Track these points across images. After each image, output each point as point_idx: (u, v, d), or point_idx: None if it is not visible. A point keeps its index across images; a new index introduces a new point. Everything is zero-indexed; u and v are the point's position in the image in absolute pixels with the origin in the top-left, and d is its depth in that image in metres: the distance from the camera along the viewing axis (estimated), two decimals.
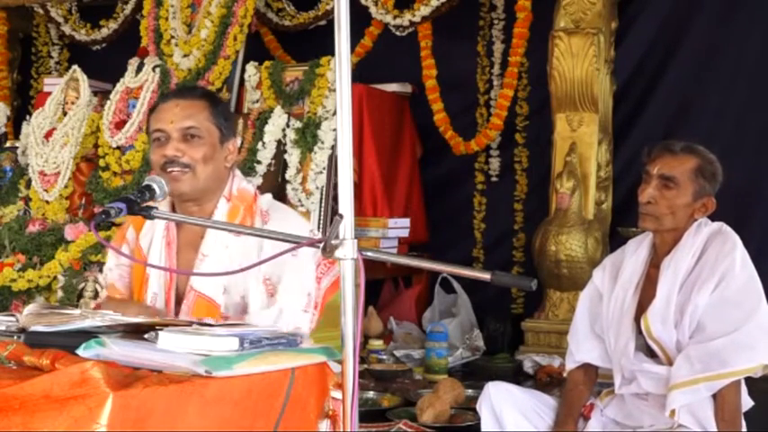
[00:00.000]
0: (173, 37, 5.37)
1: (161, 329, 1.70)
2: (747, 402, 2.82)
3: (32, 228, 4.83)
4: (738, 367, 2.69)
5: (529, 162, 5.45)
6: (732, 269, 2.74)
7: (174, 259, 2.42)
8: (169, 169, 2.35)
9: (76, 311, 1.90)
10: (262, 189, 2.73)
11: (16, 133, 5.83)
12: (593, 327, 2.99)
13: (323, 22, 5.63)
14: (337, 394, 1.81)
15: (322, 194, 4.73)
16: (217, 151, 2.41)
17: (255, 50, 5.49)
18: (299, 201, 4.71)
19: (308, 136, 4.82)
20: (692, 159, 2.82)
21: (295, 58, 5.62)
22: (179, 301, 2.41)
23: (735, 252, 2.76)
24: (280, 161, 4.88)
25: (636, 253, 2.94)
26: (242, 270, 2.12)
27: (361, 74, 5.06)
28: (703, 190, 2.81)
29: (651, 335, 2.81)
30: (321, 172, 4.77)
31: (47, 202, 5.08)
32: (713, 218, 2.87)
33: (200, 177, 2.37)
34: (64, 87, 5.40)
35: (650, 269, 2.90)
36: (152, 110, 2.49)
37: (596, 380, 3.06)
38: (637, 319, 2.87)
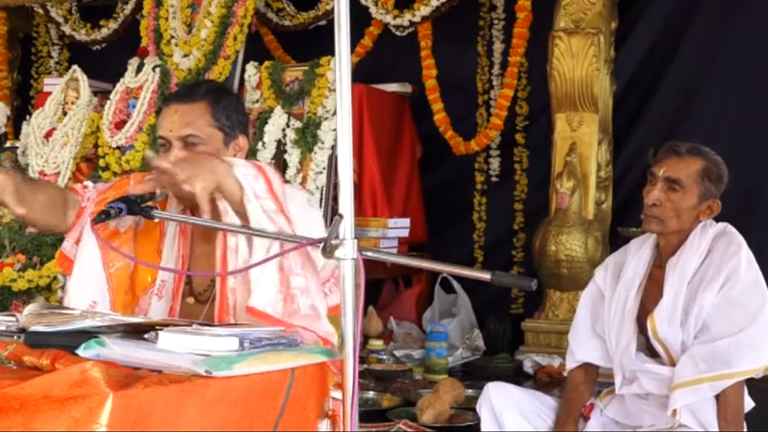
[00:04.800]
0: (173, 37, 5.37)
1: (161, 329, 1.70)
2: (748, 403, 2.82)
3: (32, 228, 4.82)
4: (742, 368, 2.69)
5: (529, 162, 5.45)
6: (737, 270, 2.74)
7: (188, 249, 2.39)
8: None
9: (76, 311, 1.90)
10: None
11: (16, 133, 5.83)
12: (594, 326, 2.99)
13: (323, 22, 5.63)
14: (337, 394, 1.81)
15: (322, 194, 4.73)
16: (221, 154, 2.36)
17: (255, 50, 5.49)
18: None
19: (308, 136, 4.82)
20: (698, 161, 2.81)
21: (295, 58, 5.62)
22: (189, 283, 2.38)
23: (740, 253, 2.76)
24: (280, 161, 4.88)
25: (639, 253, 2.93)
26: (243, 270, 2.11)
27: (361, 74, 5.06)
28: (709, 192, 2.81)
29: (657, 335, 2.80)
30: (321, 172, 4.77)
31: None
32: (715, 218, 2.87)
33: None
34: (64, 87, 5.41)
35: (653, 270, 2.90)
36: (158, 111, 2.45)
37: (597, 380, 3.06)
38: (639, 320, 2.87)
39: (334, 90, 2.46)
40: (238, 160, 2.22)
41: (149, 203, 2.21)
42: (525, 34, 5.23)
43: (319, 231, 2.25)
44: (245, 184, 2.13)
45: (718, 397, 2.72)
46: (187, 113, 2.36)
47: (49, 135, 5.26)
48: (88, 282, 2.34)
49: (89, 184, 2.52)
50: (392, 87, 5.40)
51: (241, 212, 2.14)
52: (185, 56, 5.29)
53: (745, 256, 2.77)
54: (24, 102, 6.51)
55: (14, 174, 2.22)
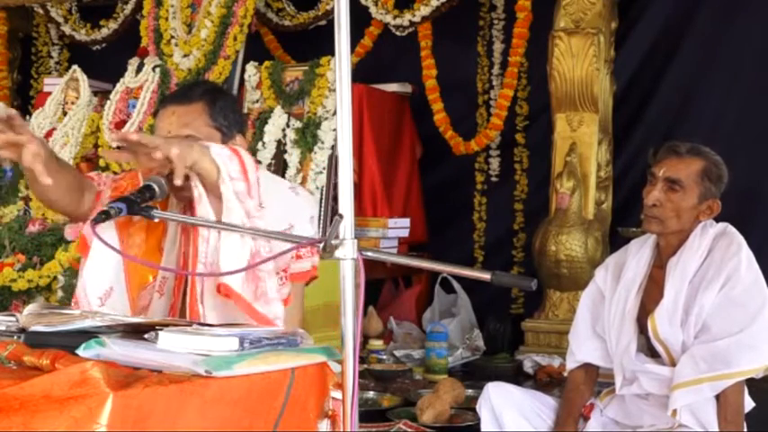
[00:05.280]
0: (173, 37, 5.37)
1: (161, 329, 1.70)
2: (749, 403, 2.82)
3: (32, 228, 4.83)
4: (742, 368, 2.69)
5: (529, 162, 5.45)
6: (738, 270, 2.74)
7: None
8: None
9: (76, 311, 1.90)
10: None
11: None
12: (594, 326, 2.99)
13: (323, 22, 5.63)
14: (337, 394, 1.81)
15: (322, 194, 4.73)
16: None
17: (255, 50, 5.49)
18: None
19: (308, 136, 4.82)
20: (697, 162, 2.81)
21: (295, 58, 5.62)
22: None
23: (741, 253, 2.76)
24: (280, 161, 4.88)
25: (639, 253, 2.93)
26: (243, 269, 2.11)
27: (361, 74, 5.06)
28: (709, 192, 2.81)
29: (657, 335, 2.80)
30: (321, 172, 4.77)
31: None
32: (715, 218, 2.87)
33: None
34: (64, 87, 5.41)
35: (654, 270, 2.90)
36: (154, 113, 2.45)
37: (597, 380, 3.06)
38: (639, 320, 2.87)
39: (334, 90, 2.46)
40: (213, 144, 2.22)
41: (149, 203, 2.21)
42: (525, 34, 5.23)
43: (301, 218, 2.29)
44: (221, 164, 2.13)
45: (718, 397, 2.72)
46: (184, 114, 2.37)
47: (49, 135, 5.26)
48: (105, 269, 2.34)
49: (101, 173, 2.52)
50: (392, 87, 5.40)
51: (217, 195, 2.13)
52: (185, 56, 5.29)
53: (746, 256, 2.77)
54: (24, 102, 6.51)
55: (46, 144, 2.19)
